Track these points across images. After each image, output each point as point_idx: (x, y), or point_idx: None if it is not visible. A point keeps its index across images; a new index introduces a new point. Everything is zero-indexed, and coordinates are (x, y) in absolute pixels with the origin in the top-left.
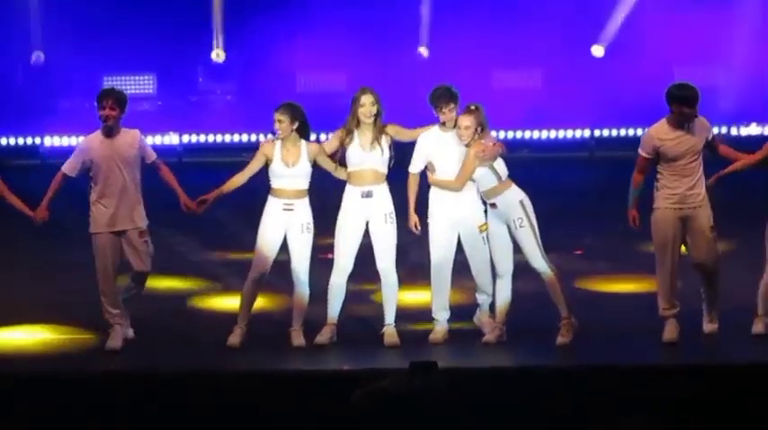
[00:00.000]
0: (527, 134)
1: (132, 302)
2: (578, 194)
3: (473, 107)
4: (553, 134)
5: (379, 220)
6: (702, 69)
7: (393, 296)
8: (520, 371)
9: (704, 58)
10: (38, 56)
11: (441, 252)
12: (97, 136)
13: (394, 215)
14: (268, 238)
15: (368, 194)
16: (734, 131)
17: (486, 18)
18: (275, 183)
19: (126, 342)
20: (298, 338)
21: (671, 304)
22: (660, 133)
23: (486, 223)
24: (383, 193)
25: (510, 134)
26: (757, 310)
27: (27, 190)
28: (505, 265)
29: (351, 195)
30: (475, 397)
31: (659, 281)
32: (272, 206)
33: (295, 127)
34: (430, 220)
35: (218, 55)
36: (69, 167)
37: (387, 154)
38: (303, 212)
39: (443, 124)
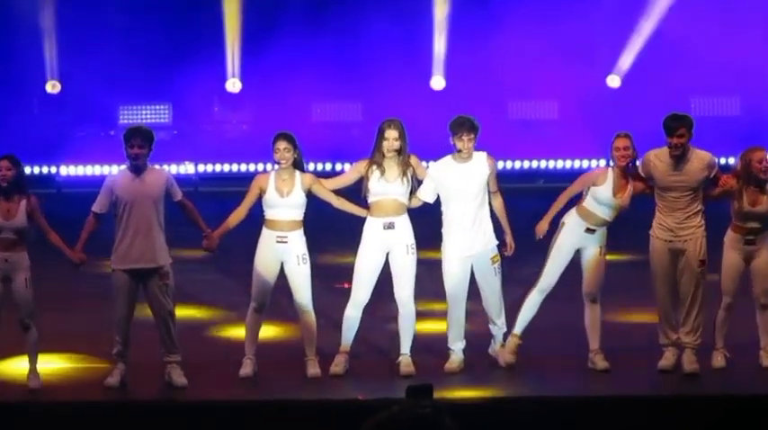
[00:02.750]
0: (542, 164)
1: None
2: None
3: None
4: (569, 164)
5: (400, 251)
6: (718, 99)
7: (410, 326)
8: (535, 401)
9: (720, 88)
10: (54, 85)
11: (455, 284)
12: (124, 173)
13: (415, 246)
14: (264, 270)
15: (390, 226)
16: None
17: (503, 49)
18: (269, 214)
19: (123, 380)
20: (313, 368)
21: (667, 333)
22: (659, 156)
23: (497, 254)
24: (404, 225)
25: (526, 164)
26: (716, 343)
27: None
28: (552, 281)
29: (372, 227)
30: (488, 427)
31: (657, 310)
32: (266, 238)
33: (296, 156)
34: (443, 254)
35: (233, 84)
36: (98, 206)
37: (409, 185)
38: (298, 244)
39: (459, 152)
